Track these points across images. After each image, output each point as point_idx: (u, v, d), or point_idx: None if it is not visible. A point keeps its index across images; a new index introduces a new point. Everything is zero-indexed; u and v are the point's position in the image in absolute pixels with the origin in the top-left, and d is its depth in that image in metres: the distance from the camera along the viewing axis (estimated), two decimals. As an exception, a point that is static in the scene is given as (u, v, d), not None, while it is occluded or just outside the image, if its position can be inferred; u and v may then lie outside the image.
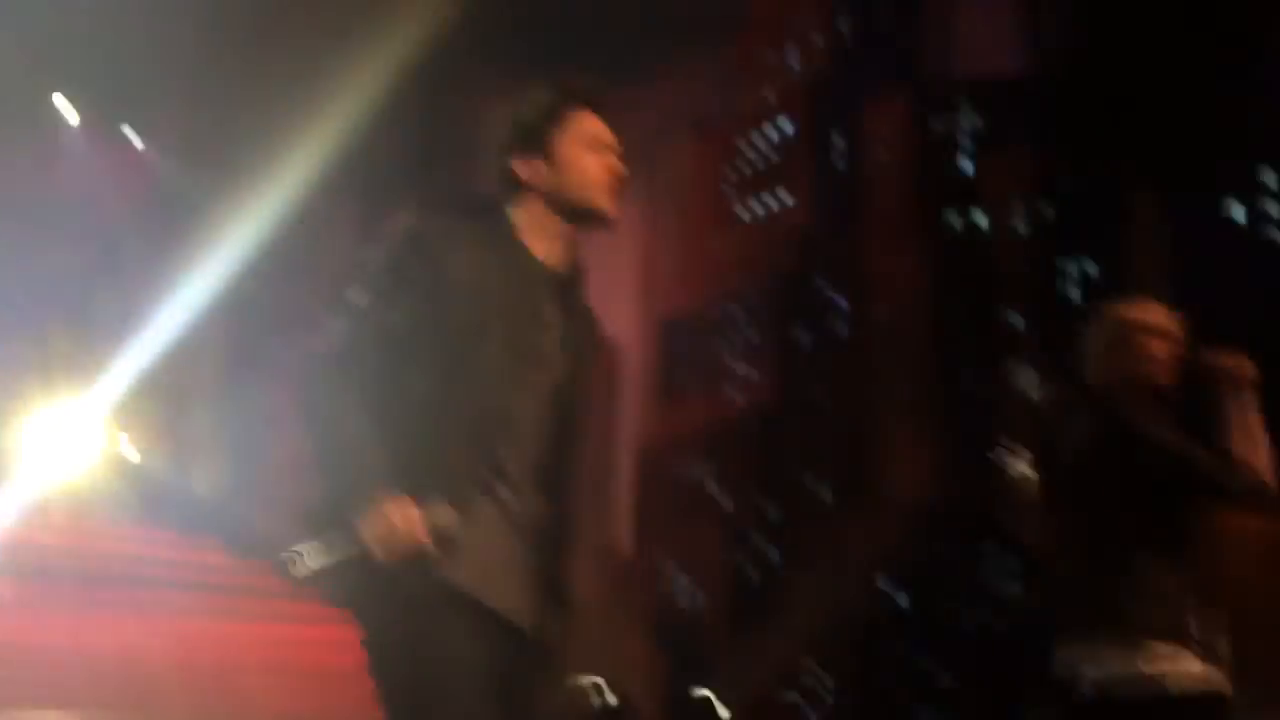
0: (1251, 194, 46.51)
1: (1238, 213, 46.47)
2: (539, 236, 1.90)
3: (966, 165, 55.23)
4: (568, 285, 1.93)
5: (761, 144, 61.94)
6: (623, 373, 76.59)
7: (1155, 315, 2.80)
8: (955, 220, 53.75)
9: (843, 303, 57.22)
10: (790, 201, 59.67)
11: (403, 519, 1.62)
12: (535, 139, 1.90)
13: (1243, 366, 2.75)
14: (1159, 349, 2.75)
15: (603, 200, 1.90)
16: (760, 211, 61.48)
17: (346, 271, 1.83)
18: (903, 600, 43.60)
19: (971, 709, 41.82)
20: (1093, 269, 47.83)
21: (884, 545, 43.88)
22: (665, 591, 53.60)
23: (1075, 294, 47.47)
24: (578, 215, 1.91)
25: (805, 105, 60.09)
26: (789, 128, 60.90)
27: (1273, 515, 7.91)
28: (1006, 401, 48.00)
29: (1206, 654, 2.61)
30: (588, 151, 1.89)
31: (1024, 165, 49.94)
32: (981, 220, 52.86)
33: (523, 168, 1.90)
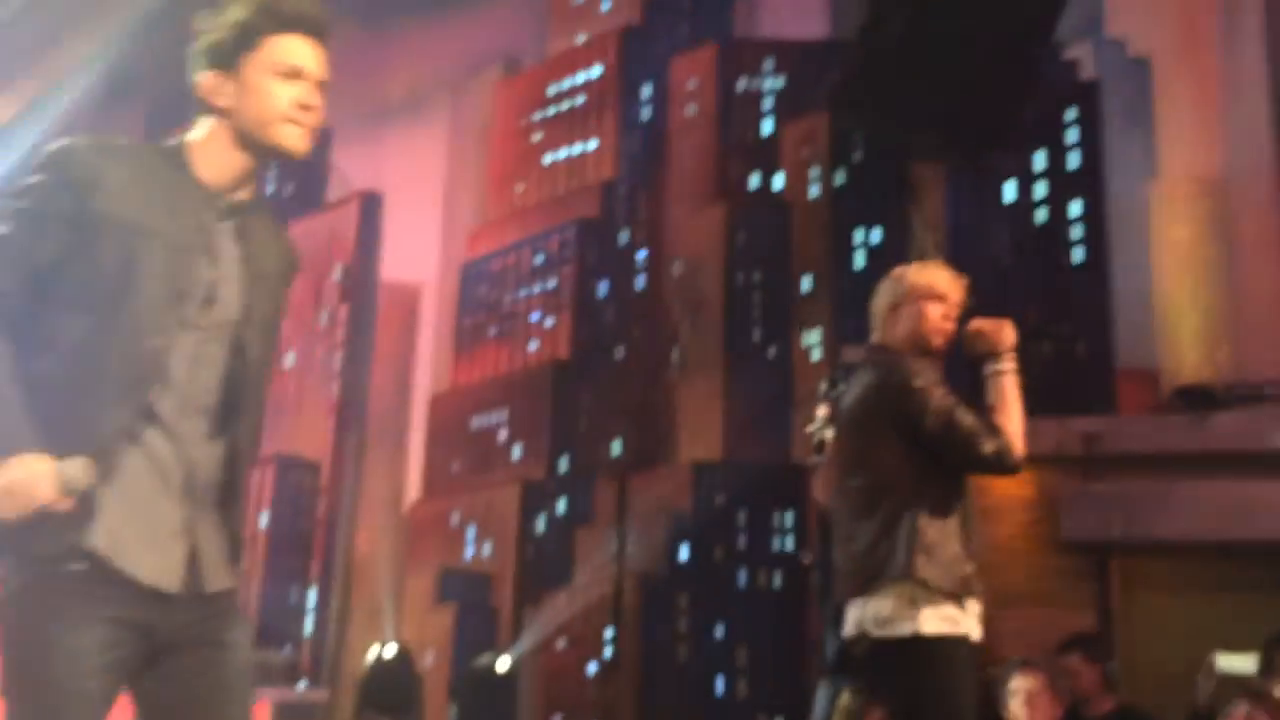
0: (1024, 175, 49.59)
1: (1010, 191, 49.53)
2: (217, 163, 1.73)
3: (767, 126, 56.55)
4: (246, 214, 1.76)
5: (569, 89, 61.58)
6: (419, 316, 74.66)
7: (937, 280, 2.86)
8: (754, 180, 55.04)
9: (641, 255, 57.82)
10: (595, 149, 59.66)
11: (26, 475, 1.46)
12: (225, 56, 1.73)
13: (1002, 333, 2.83)
14: (937, 312, 2.81)
15: (284, 137, 1.73)
16: (565, 157, 61.24)
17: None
18: (685, 555, 44.79)
19: (754, 663, 43.45)
20: (877, 237, 50.02)
21: (674, 502, 44.85)
22: (454, 543, 53.23)
23: (861, 260, 49.60)
24: (257, 149, 1.75)
25: (614, 53, 60.03)
26: (597, 74, 60.75)
27: (1028, 480, 8.39)
28: (796, 361, 49.67)
29: (971, 602, 2.71)
30: (277, 80, 1.73)
31: (820, 131, 51.58)
32: (778, 182, 54.33)
33: (208, 84, 1.74)
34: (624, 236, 56.98)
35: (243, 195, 1.75)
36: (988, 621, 2.78)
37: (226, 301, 1.69)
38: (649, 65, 58.54)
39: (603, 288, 56.43)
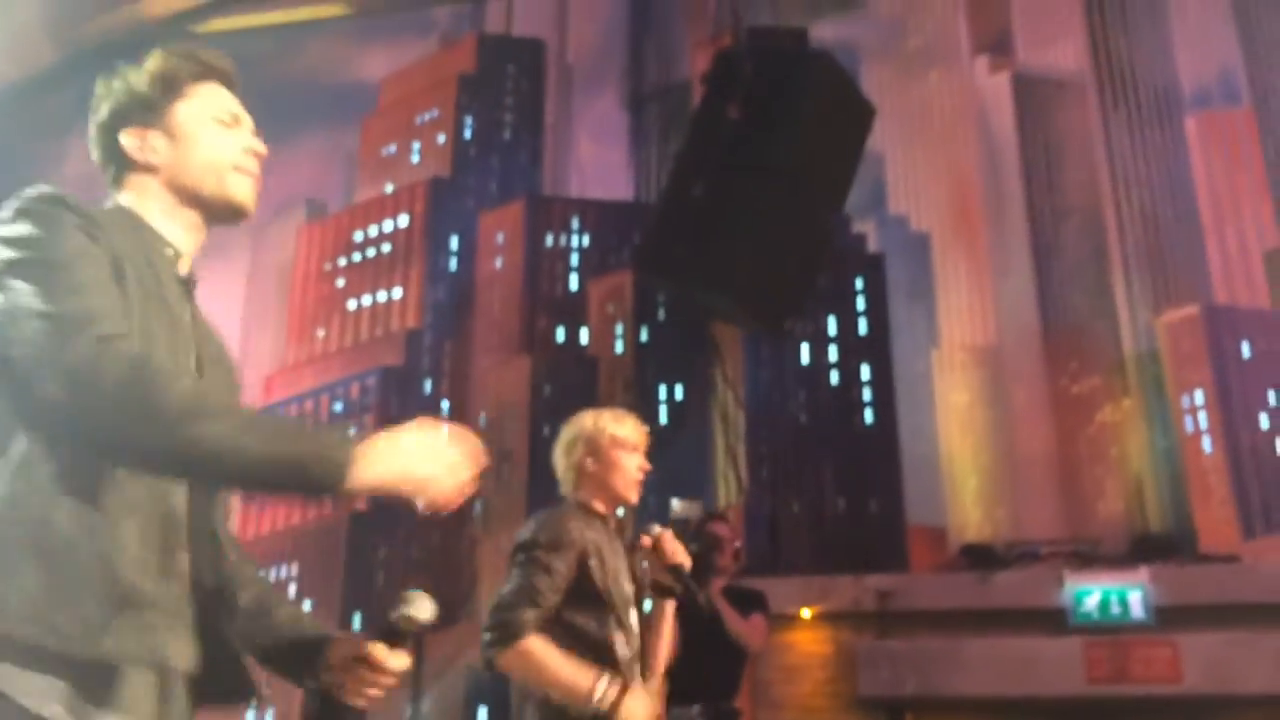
0: (818, 338, 52.08)
1: (805, 353, 51.88)
2: (165, 227, 1.51)
3: (574, 282, 57.75)
4: (192, 289, 1.55)
5: (376, 236, 61.47)
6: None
7: (629, 428, 2.70)
8: (560, 334, 55.80)
9: (445, 406, 57.21)
10: (400, 297, 59.39)
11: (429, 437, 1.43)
12: (148, 108, 1.53)
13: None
14: (633, 463, 2.67)
15: (236, 188, 1.53)
16: (369, 304, 60.65)
17: None
18: (484, 717, 43.13)
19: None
20: (680, 393, 51.26)
21: (475, 660, 43.32)
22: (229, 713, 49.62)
23: (664, 415, 50.58)
24: (204, 206, 1.53)
25: (423, 203, 60.50)
26: (404, 223, 60.96)
27: (827, 637, 8.44)
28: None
29: None
30: (218, 126, 1.55)
31: (625, 289, 53.04)
32: (584, 337, 55.26)
33: (134, 141, 1.52)
34: (428, 385, 56.35)
35: (190, 267, 1.54)
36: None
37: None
38: (457, 218, 59.21)
39: (405, 438, 55.23)
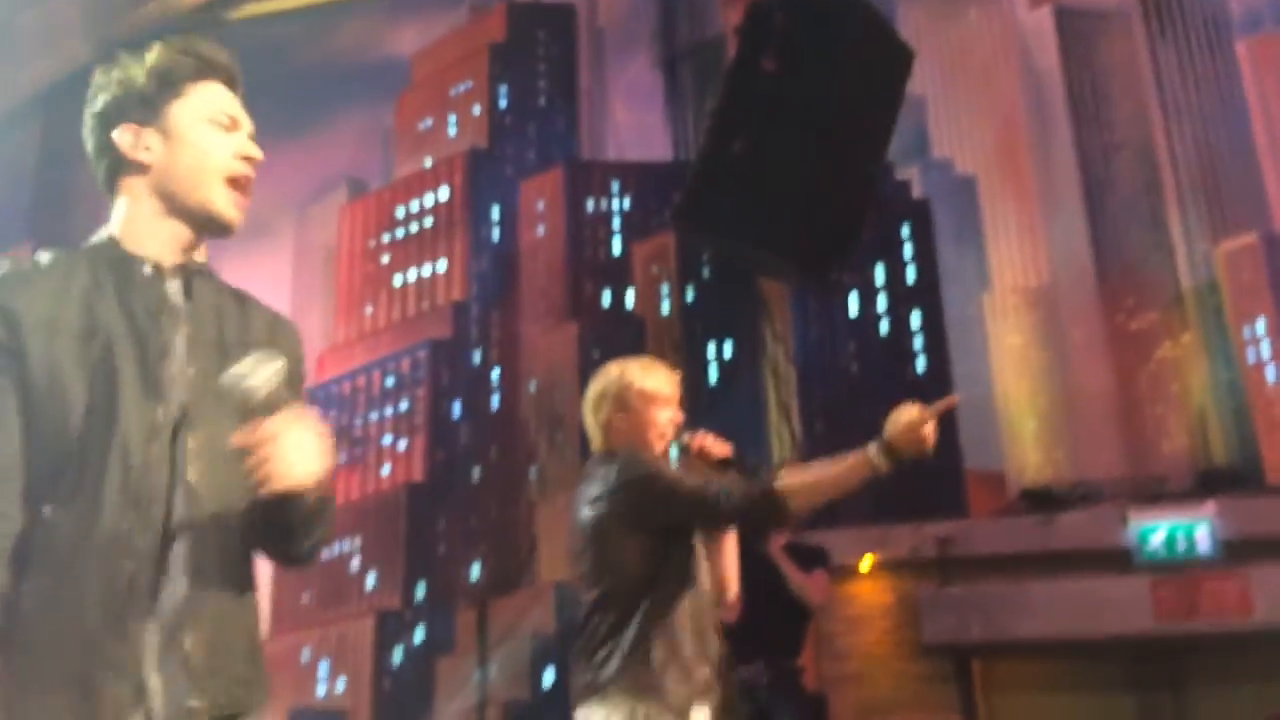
0: (866, 289, 51.64)
1: (853, 304, 51.47)
2: (149, 237, 1.48)
3: (617, 246, 57.62)
4: (193, 278, 1.51)
5: (418, 211, 61.69)
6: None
7: (661, 381, 2.62)
8: (606, 298, 55.77)
9: (495, 375, 57.57)
10: (445, 270, 59.64)
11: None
12: (144, 105, 1.49)
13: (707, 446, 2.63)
14: (664, 417, 2.59)
15: (218, 200, 1.49)
16: (414, 278, 60.98)
17: None
18: (551, 680, 43.53)
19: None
20: (729, 351, 51.09)
21: (537, 625, 43.83)
22: (305, 680, 50.74)
23: (714, 374, 50.50)
24: (188, 216, 1.50)
25: (462, 175, 60.56)
26: (445, 196, 61.08)
27: (888, 587, 8.41)
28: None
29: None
30: (214, 129, 1.51)
31: (668, 250, 52.83)
32: (630, 300, 55.19)
33: (128, 139, 1.49)
34: (477, 356, 56.68)
35: (186, 262, 1.51)
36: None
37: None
38: (497, 187, 59.23)
39: (456, 408, 55.79)
